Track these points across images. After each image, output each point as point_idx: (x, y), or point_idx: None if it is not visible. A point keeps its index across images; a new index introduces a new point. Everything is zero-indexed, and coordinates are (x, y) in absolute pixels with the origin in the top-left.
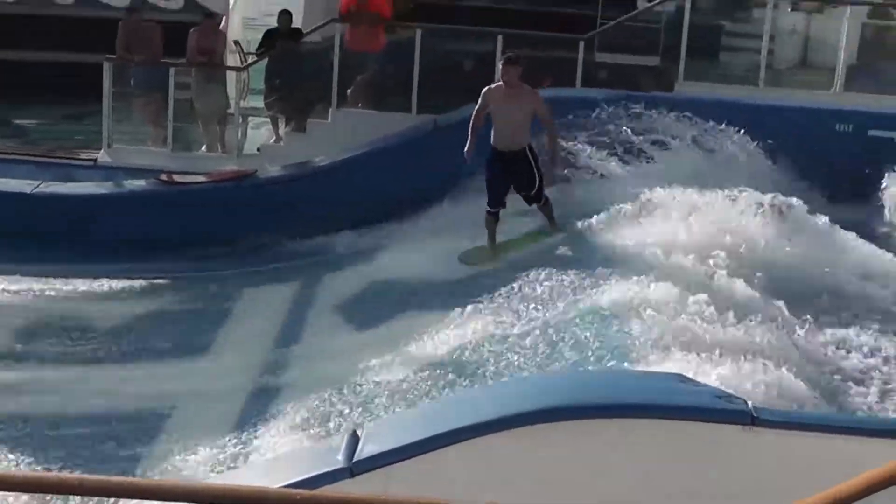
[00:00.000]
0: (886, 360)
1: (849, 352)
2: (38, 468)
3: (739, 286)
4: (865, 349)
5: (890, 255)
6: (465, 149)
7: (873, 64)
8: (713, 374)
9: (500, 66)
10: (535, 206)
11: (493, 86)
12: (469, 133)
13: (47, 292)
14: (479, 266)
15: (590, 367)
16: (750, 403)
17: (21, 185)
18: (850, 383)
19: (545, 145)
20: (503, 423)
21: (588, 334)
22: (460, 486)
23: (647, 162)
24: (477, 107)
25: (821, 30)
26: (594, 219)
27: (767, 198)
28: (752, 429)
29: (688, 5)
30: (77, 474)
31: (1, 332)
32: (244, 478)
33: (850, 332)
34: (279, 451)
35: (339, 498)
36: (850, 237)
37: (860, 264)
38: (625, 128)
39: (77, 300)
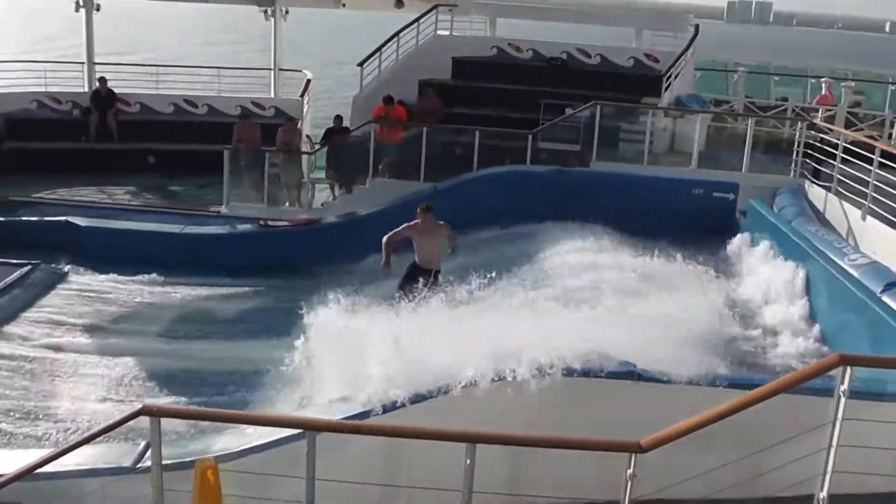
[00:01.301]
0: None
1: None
2: (189, 404)
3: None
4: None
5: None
6: (382, 263)
7: (714, 151)
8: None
9: (418, 211)
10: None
11: (413, 223)
12: (384, 251)
13: (190, 294)
14: None
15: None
16: (638, 367)
17: (173, 227)
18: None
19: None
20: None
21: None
22: (452, 419)
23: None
24: (396, 231)
25: (682, 129)
26: None
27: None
28: (639, 383)
29: (598, 113)
30: (217, 409)
31: (162, 320)
32: (315, 413)
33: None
34: (338, 395)
35: (375, 426)
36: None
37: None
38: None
39: (207, 300)
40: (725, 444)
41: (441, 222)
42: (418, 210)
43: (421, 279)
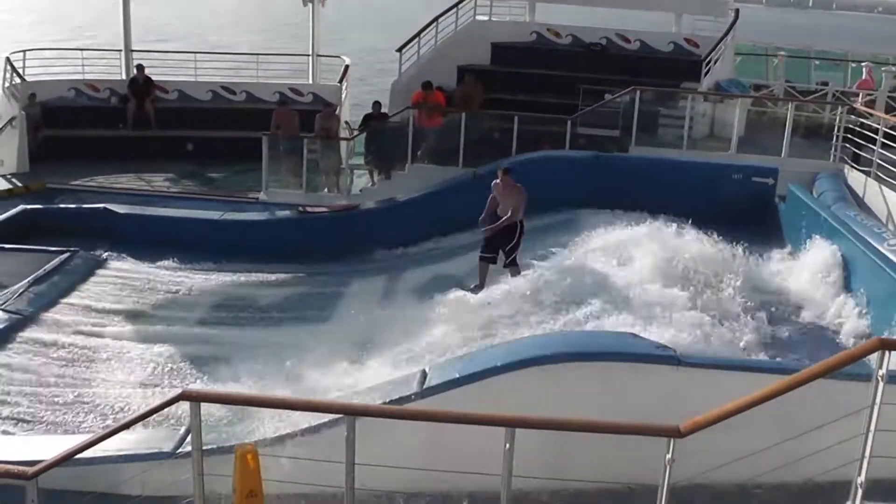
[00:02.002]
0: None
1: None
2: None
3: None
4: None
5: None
6: (481, 218)
7: (754, 136)
8: (655, 334)
9: (499, 172)
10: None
11: (496, 181)
12: (486, 210)
13: (229, 281)
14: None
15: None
16: (678, 351)
17: (212, 214)
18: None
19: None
20: (515, 365)
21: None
22: (490, 404)
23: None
24: (490, 200)
25: (722, 113)
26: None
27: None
28: (679, 368)
29: (637, 98)
30: (257, 394)
31: (201, 307)
32: (357, 398)
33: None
34: (376, 381)
35: (414, 411)
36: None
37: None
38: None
39: (246, 287)
40: (763, 429)
41: (518, 185)
42: (498, 171)
43: (500, 236)
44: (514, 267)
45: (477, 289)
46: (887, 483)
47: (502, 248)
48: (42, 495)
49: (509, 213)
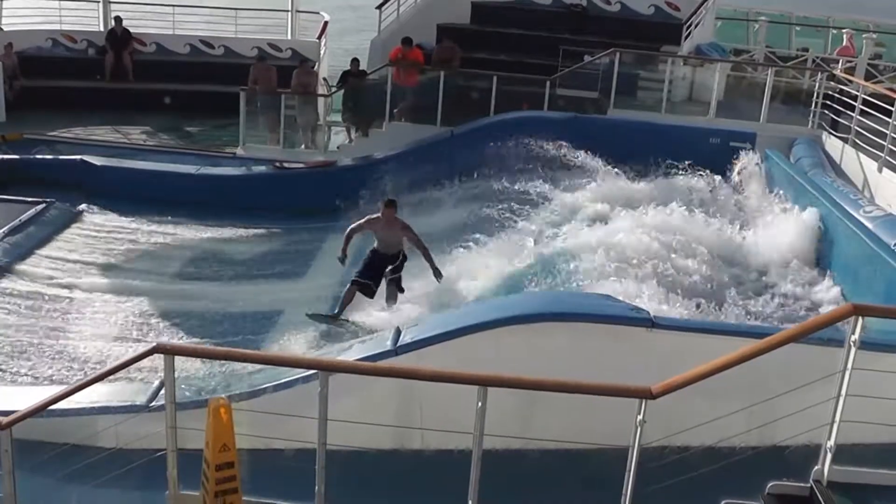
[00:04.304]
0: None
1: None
2: (204, 343)
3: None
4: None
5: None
6: (340, 253)
7: (733, 100)
8: (630, 296)
9: (380, 206)
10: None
11: (374, 217)
12: (344, 240)
13: (204, 236)
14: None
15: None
16: (651, 313)
17: (188, 168)
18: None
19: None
20: (490, 324)
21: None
22: (464, 362)
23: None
24: (358, 224)
25: (701, 78)
26: None
27: None
28: (652, 330)
29: (617, 60)
30: (231, 348)
31: (176, 261)
32: (331, 354)
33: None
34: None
35: (388, 368)
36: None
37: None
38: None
39: (222, 242)
40: (735, 393)
41: (404, 222)
42: (380, 203)
43: (383, 264)
44: (397, 287)
45: (331, 320)
46: (856, 448)
47: (385, 274)
48: (16, 446)
49: (427, 257)
